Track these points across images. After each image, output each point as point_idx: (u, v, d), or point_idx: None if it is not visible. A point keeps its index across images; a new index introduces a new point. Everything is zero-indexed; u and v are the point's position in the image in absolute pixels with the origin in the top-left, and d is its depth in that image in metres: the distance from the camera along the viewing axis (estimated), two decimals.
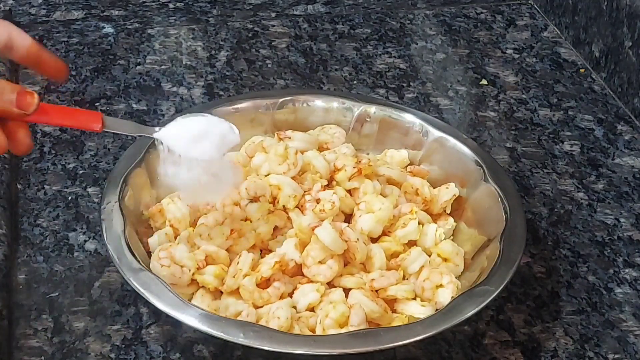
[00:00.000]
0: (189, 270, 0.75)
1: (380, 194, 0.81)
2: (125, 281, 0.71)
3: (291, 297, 0.75)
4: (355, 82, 1.08)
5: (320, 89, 1.06)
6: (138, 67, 1.08)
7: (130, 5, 1.21)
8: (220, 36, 1.15)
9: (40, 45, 0.68)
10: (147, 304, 0.70)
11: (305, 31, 1.17)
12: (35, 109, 0.64)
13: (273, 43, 1.14)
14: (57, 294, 0.79)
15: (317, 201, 0.79)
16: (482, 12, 1.23)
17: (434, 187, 0.85)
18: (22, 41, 0.66)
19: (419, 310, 0.74)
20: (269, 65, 1.10)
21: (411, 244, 0.80)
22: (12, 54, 0.66)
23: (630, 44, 1.03)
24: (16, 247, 0.83)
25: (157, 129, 0.72)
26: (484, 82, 1.09)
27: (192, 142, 0.71)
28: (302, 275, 0.76)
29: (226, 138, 0.73)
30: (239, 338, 0.66)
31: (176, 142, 0.71)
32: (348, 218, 0.81)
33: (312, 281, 0.75)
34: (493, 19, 1.22)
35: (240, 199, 0.80)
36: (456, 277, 0.77)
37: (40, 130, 0.97)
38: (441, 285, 0.76)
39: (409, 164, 0.88)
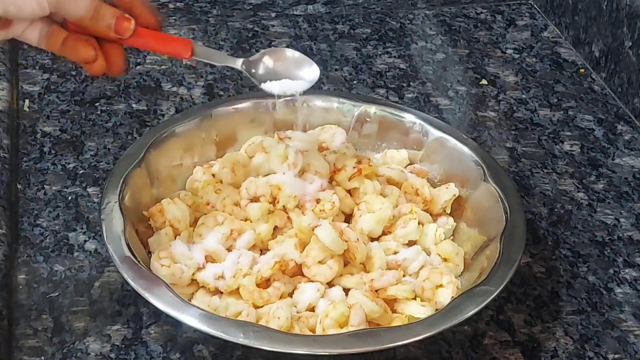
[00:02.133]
0: (189, 270, 0.75)
1: (380, 194, 0.81)
2: (125, 281, 0.71)
3: (291, 297, 0.75)
4: (355, 82, 1.08)
5: (320, 89, 1.06)
6: (138, 67, 1.08)
7: None
8: (220, 36, 1.15)
9: None
10: (147, 304, 0.70)
11: (305, 31, 1.17)
12: (131, 34, 0.67)
13: (273, 43, 1.14)
14: (57, 294, 0.79)
15: (317, 201, 0.79)
16: (482, 12, 1.23)
17: (434, 187, 0.85)
18: None
19: (419, 310, 0.74)
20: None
21: (411, 244, 0.80)
22: None
23: (630, 44, 1.03)
24: (16, 247, 0.83)
25: (240, 60, 0.74)
26: (484, 82, 1.09)
27: (276, 72, 0.76)
28: (302, 275, 0.76)
29: (307, 75, 0.76)
30: (239, 338, 0.66)
31: (261, 70, 0.75)
32: (348, 218, 0.81)
33: (312, 281, 0.75)
34: (493, 19, 1.22)
35: (240, 199, 0.80)
36: (456, 277, 0.78)
37: (40, 130, 0.97)
38: (441, 285, 0.76)
39: (409, 164, 0.88)
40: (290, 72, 0.76)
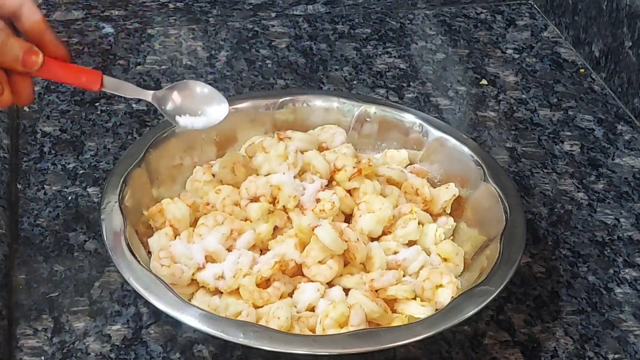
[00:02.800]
0: (189, 270, 0.75)
1: (380, 194, 0.81)
2: (125, 281, 0.71)
3: (291, 297, 0.75)
4: (355, 82, 1.08)
5: (320, 89, 1.06)
6: (138, 67, 1.08)
7: (130, 5, 1.21)
8: (220, 36, 1.15)
9: (47, 25, 0.68)
10: (147, 304, 0.70)
11: (305, 31, 1.17)
12: (38, 67, 0.66)
13: (273, 43, 1.14)
14: (57, 294, 0.79)
15: (317, 201, 0.79)
16: (482, 12, 1.23)
17: (434, 187, 0.85)
18: (31, 14, 0.67)
19: (419, 310, 0.74)
20: (269, 65, 1.10)
21: (411, 244, 0.80)
22: (19, 24, 0.67)
23: (630, 44, 1.03)
24: (16, 247, 0.83)
25: (151, 93, 0.75)
26: (484, 82, 1.09)
27: (184, 108, 0.76)
28: (302, 275, 0.76)
29: (216, 111, 0.77)
30: (239, 338, 0.66)
31: (170, 106, 0.76)
32: (348, 218, 0.81)
33: (312, 281, 0.75)
34: (493, 19, 1.22)
35: (240, 199, 0.80)
36: (456, 277, 0.78)
37: (40, 130, 0.97)
38: (441, 285, 0.76)
39: (409, 164, 0.88)
40: (198, 108, 0.76)
